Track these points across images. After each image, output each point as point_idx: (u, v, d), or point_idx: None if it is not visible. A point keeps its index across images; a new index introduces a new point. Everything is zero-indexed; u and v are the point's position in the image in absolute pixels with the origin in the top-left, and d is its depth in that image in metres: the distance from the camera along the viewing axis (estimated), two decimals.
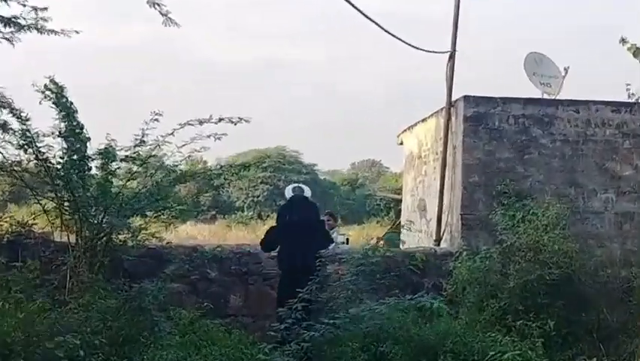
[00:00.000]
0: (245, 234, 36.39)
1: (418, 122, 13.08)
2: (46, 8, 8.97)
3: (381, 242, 15.50)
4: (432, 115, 12.15)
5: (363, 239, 31.35)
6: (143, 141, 9.20)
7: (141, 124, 9.08)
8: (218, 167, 9.77)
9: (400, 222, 14.85)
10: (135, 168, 9.05)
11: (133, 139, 9.27)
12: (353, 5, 9.15)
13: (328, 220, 13.24)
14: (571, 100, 10.98)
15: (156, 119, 9.06)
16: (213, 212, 52.23)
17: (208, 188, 50.72)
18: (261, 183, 56.35)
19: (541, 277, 9.00)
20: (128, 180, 9.01)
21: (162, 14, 7.35)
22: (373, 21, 9.93)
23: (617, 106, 10.94)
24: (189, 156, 9.44)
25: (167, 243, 9.91)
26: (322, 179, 62.52)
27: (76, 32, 8.98)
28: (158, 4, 7.25)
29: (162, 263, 9.90)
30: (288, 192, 9.87)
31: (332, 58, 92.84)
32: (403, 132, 14.25)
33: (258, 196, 55.72)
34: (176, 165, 9.36)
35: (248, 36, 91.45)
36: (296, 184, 10.46)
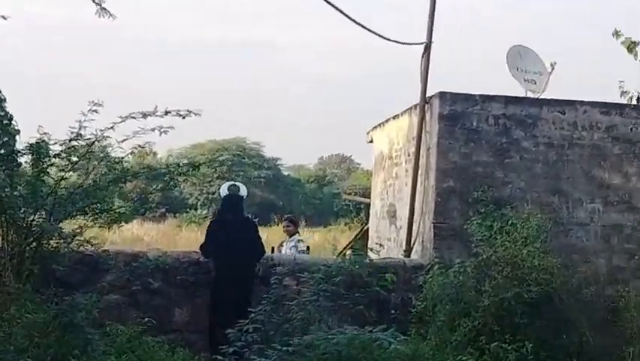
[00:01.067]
0: (197, 235, 36.05)
1: (390, 118, 13.11)
2: None
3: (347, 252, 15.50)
4: (405, 112, 12.19)
5: (329, 244, 31.55)
6: (80, 135, 9.10)
7: (78, 115, 8.98)
8: (164, 166, 9.60)
9: (367, 229, 14.87)
10: (69, 166, 8.91)
11: (69, 132, 9.18)
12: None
13: (288, 226, 13.25)
14: (556, 100, 11.06)
15: (95, 110, 8.96)
16: (163, 209, 51.96)
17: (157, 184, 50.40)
18: (218, 178, 56.05)
19: (519, 295, 9.08)
20: (62, 179, 8.89)
21: (96, 3, 7.29)
22: (342, 12, 9.92)
23: (606, 107, 11.05)
24: (132, 153, 9.37)
25: (105, 250, 9.81)
26: (286, 175, 62.48)
27: (3, 18, 8.84)
28: None
29: (99, 272, 9.83)
30: (224, 191, 10.44)
31: (299, 40, 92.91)
32: (373, 129, 14.27)
33: (213, 193, 55.44)
34: (117, 162, 9.27)
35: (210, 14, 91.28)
36: (232, 182, 10.96)
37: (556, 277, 9.36)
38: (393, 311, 10.35)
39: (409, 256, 11.20)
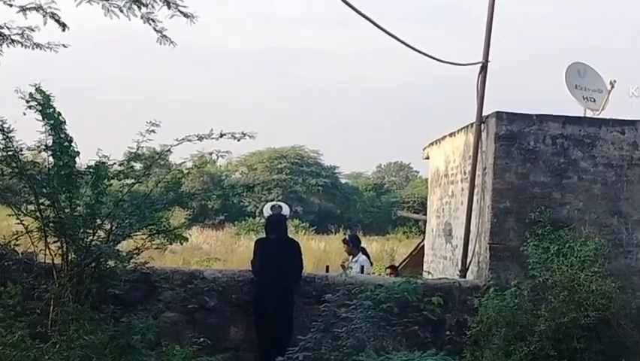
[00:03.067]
0: None
1: (446, 136, 13.03)
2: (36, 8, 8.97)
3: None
4: (461, 130, 12.11)
5: (386, 254, 31.53)
6: (139, 155, 9.24)
7: (136, 135, 9.11)
8: (218, 188, 9.69)
9: (423, 245, 14.79)
10: (126, 187, 9.06)
11: (127, 153, 9.34)
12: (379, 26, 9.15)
13: (348, 245, 13.29)
14: (616, 120, 10.88)
15: (152, 131, 9.08)
16: (222, 217, 52.43)
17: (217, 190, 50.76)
18: (276, 186, 56.56)
19: (576, 319, 8.97)
20: (120, 201, 9.03)
21: (157, 31, 7.39)
22: (398, 39, 9.91)
23: None
24: (188, 173, 9.48)
25: (162, 268, 9.94)
26: (344, 183, 62.55)
27: (64, 46, 9.02)
28: (153, 20, 7.27)
29: (157, 290, 9.93)
30: (267, 211, 10.76)
31: (361, 49, 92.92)
32: (429, 146, 14.20)
33: (272, 200, 55.84)
34: (174, 183, 9.38)
35: (266, 22, 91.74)
36: (274, 202, 11.33)
37: (615, 301, 9.22)
38: (448, 332, 10.32)
39: (464, 276, 11.12)
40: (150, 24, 7.45)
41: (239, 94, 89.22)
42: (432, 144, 14.02)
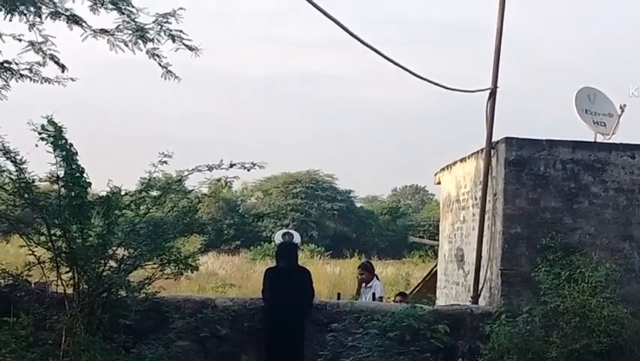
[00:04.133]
0: None
1: (457, 161, 13.03)
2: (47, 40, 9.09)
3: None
4: (471, 155, 12.11)
5: (402, 278, 31.41)
6: (150, 186, 9.31)
7: (148, 166, 9.20)
8: (229, 218, 9.71)
9: (436, 271, 14.76)
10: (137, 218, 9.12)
11: (139, 183, 9.41)
12: (382, 54, 9.23)
13: (361, 274, 13.27)
14: (626, 144, 10.86)
15: (164, 162, 9.15)
16: (238, 242, 52.44)
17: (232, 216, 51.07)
18: (291, 210, 56.57)
19: (588, 345, 8.92)
20: (131, 231, 9.08)
21: (162, 66, 7.46)
22: (402, 66, 9.97)
23: None
24: (202, 199, 9.54)
25: (173, 297, 9.96)
26: (359, 207, 62.51)
27: (72, 80, 9.13)
28: (158, 56, 7.35)
29: (169, 319, 9.96)
30: (278, 239, 10.92)
31: (372, 72, 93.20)
32: (440, 171, 14.21)
33: (287, 225, 55.89)
34: (185, 213, 9.43)
35: (277, 47, 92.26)
36: (285, 230, 11.70)
37: (627, 327, 9.18)
38: (460, 360, 10.27)
39: (476, 302, 11.08)
40: (155, 59, 7.52)
41: (253, 119, 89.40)
42: (443, 169, 14.03)
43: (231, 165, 8.95)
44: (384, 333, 6.10)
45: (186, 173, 8.93)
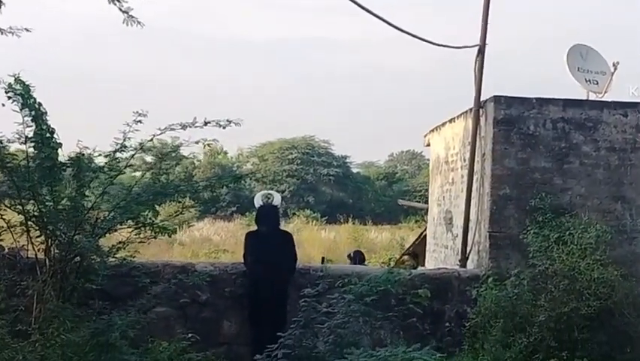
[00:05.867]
0: None
1: (446, 122, 12.67)
2: None
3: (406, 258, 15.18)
4: (460, 115, 11.75)
5: (396, 243, 31.15)
6: (125, 147, 8.91)
7: (123, 126, 8.81)
8: (204, 180, 9.32)
9: (426, 234, 14.45)
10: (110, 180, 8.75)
11: (113, 144, 9.02)
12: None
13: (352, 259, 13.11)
14: (618, 102, 10.55)
15: (139, 121, 8.76)
16: (234, 208, 52.15)
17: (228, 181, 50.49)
18: (287, 176, 56.28)
19: (577, 309, 8.63)
20: (103, 194, 8.72)
21: (122, 12, 7.07)
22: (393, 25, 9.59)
23: None
24: (177, 164, 9.17)
25: (152, 262, 9.66)
26: (355, 173, 62.19)
27: (27, 30, 8.67)
28: (119, 1, 6.96)
29: (148, 284, 9.65)
30: (257, 201, 10.26)
31: (373, 37, 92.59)
32: (430, 132, 13.85)
33: (283, 191, 55.60)
34: (161, 174, 9.07)
35: (276, 12, 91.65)
36: (265, 191, 10.85)
37: (618, 289, 8.86)
38: (447, 324, 10.05)
39: (464, 265, 10.80)
40: (115, 4, 7.12)
41: (249, 84, 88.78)
42: (432, 130, 13.67)
43: (205, 123, 8.55)
44: (360, 298, 5.77)
45: (159, 132, 8.53)
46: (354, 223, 39.15)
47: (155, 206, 8.83)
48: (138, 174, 9.68)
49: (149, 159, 9.19)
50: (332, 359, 5.53)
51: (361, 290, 5.91)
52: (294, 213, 47.99)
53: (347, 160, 60.73)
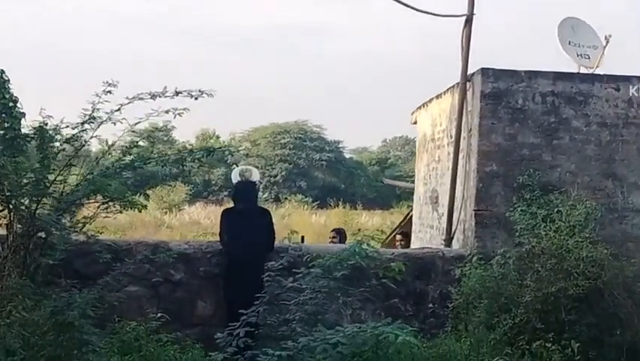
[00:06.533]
0: None
1: (433, 98, 12.25)
2: None
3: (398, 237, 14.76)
4: (447, 90, 11.32)
5: (387, 228, 30.81)
6: (94, 118, 8.46)
7: (91, 96, 8.36)
8: (176, 152, 8.88)
9: (412, 216, 14.05)
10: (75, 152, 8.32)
11: (81, 115, 8.57)
12: None
13: (334, 238, 12.71)
14: (610, 75, 10.14)
15: (109, 91, 8.32)
16: (225, 193, 51.75)
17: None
18: (280, 161, 55.94)
19: (565, 289, 8.24)
20: (68, 165, 8.29)
21: None
22: None
23: None
24: (149, 136, 8.73)
25: (125, 240, 9.25)
26: (348, 158, 61.87)
27: None
28: None
29: (120, 262, 9.25)
30: (235, 177, 9.87)
31: (361, 23, 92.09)
32: (417, 110, 13.42)
33: (275, 176, 55.32)
34: (131, 147, 8.64)
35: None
36: (244, 167, 10.46)
37: (607, 269, 8.45)
38: (431, 305, 9.72)
39: (449, 245, 10.43)
40: None
41: (243, 71, 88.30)
42: (420, 107, 13.24)
43: (177, 93, 8.12)
44: (328, 273, 5.36)
45: (127, 102, 8.08)
46: (344, 207, 38.81)
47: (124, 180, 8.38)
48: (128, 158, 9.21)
49: (142, 143, 8.74)
50: (298, 337, 5.14)
51: (329, 263, 5.50)
52: (285, 198, 47.75)
53: (340, 145, 60.44)
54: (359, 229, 24.68)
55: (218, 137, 60.30)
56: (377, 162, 62.67)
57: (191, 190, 42.53)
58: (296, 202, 43.74)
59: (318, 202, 44.85)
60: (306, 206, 42.05)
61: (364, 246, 5.40)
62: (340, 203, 40.09)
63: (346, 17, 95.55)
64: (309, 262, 5.86)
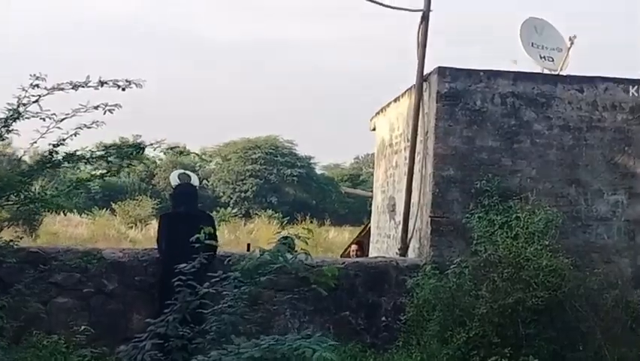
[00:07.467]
0: (225, 234, 35.15)
1: (391, 102, 11.67)
2: None
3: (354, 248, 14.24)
4: (405, 93, 10.76)
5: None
6: (19, 113, 7.75)
7: (17, 90, 7.65)
8: (101, 149, 8.15)
9: (370, 227, 13.43)
10: None
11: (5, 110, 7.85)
12: None
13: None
14: (573, 76, 9.72)
15: (37, 85, 7.61)
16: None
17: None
18: (250, 176, 55.23)
19: (523, 300, 7.70)
20: None
21: None
22: None
23: (631, 84, 9.59)
24: (75, 134, 7.99)
25: (53, 247, 8.54)
26: (320, 174, 61.33)
27: None
28: None
29: (48, 271, 8.58)
30: (174, 180, 9.28)
31: (334, 38, 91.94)
32: (375, 115, 12.83)
33: (246, 191, 54.55)
34: (55, 145, 7.92)
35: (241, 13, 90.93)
36: (182, 170, 9.84)
37: (569, 279, 7.93)
38: (384, 318, 9.15)
39: (404, 254, 9.82)
40: None
41: (213, 86, 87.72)
42: (378, 113, 12.65)
43: (102, 83, 7.42)
44: (248, 276, 4.74)
45: (45, 92, 7.37)
46: (311, 222, 38.15)
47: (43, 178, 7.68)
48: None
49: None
50: (213, 350, 4.51)
51: (248, 265, 4.87)
52: (256, 214, 47.01)
53: (311, 161, 59.79)
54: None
55: (189, 152, 59.48)
56: (349, 178, 62.04)
57: (157, 204, 41.67)
58: (266, 218, 43.03)
59: (288, 218, 44.17)
60: (275, 221, 41.35)
61: (286, 245, 4.80)
62: (308, 218, 39.39)
63: (322, 32, 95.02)
64: (231, 266, 5.25)
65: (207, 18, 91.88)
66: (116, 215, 39.92)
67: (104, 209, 41.87)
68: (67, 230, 32.23)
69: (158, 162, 54.82)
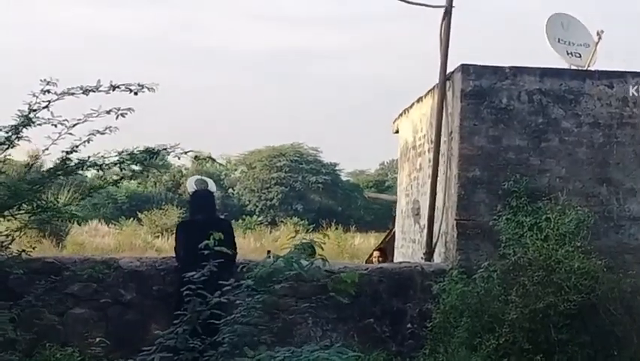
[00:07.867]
0: (251, 242, 35.00)
1: (414, 103, 11.36)
2: None
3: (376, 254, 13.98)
4: (428, 93, 10.43)
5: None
6: (30, 120, 7.55)
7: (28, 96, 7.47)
8: (115, 155, 7.88)
9: (394, 232, 13.12)
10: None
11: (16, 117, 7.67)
12: None
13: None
14: (602, 71, 9.27)
15: (47, 91, 7.42)
16: (222, 216, 50.96)
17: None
18: (275, 184, 55.11)
19: (555, 305, 7.38)
20: None
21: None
22: None
23: None
24: (88, 140, 7.77)
25: (69, 257, 8.36)
26: (345, 180, 61.08)
27: None
28: None
29: (63, 282, 8.38)
30: (191, 186, 9.02)
31: (360, 47, 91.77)
32: (398, 117, 12.51)
33: (271, 199, 54.44)
34: (68, 152, 7.70)
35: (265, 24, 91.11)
36: (199, 176, 9.65)
37: (602, 282, 7.58)
38: (409, 325, 8.83)
39: (430, 259, 9.48)
40: None
41: (244, 96, 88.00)
42: (401, 114, 12.34)
43: (114, 88, 7.21)
44: (262, 284, 4.48)
45: (55, 98, 7.17)
46: (337, 229, 37.90)
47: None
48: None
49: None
50: None
51: (261, 273, 4.59)
52: (282, 221, 46.85)
53: (336, 168, 59.53)
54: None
55: (214, 160, 59.46)
56: (374, 184, 61.73)
57: (183, 213, 41.61)
58: (291, 225, 42.86)
59: (314, 225, 43.97)
60: (300, 228, 41.15)
61: (303, 251, 4.52)
62: (333, 225, 39.15)
63: (346, 40, 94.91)
64: (244, 273, 4.98)
65: (230, 29, 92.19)
66: (142, 225, 39.96)
67: (131, 219, 41.91)
68: (95, 240, 32.24)
69: (184, 171, 54.92)
